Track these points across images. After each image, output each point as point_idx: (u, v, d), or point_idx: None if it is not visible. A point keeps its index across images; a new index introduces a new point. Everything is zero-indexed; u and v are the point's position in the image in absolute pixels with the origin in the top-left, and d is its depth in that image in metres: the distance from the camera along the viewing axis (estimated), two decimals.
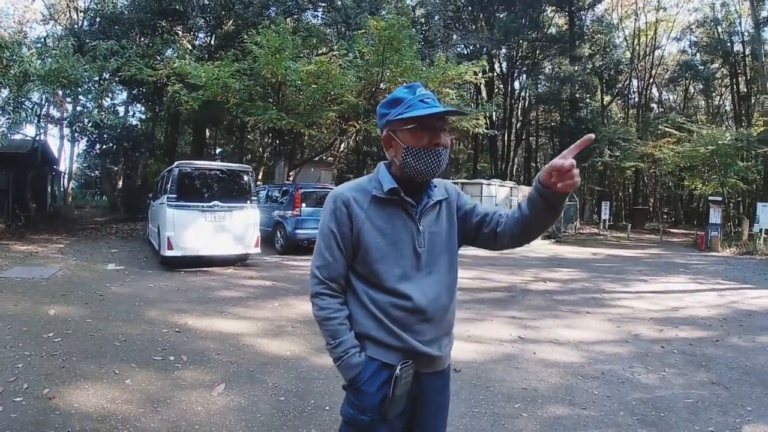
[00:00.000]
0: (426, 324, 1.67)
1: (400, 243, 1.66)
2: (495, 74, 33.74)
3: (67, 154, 32.95)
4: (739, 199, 30.26)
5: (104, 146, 20.02)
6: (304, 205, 12.66)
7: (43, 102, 14.20)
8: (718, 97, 42.02)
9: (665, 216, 42.61)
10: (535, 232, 1.72)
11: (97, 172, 23.73)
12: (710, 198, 21.89)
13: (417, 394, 1.72)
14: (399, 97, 1.66)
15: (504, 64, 36.13)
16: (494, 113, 29.01)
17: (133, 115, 24.89)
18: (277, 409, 3.71)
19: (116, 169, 23.02)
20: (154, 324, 5.75)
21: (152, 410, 3.57)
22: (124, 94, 22.12)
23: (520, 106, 39.14)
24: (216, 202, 9.89)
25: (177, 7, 17.36)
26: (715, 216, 20.25)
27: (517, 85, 37.72)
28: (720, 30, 35.17)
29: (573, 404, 4.02)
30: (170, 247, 9.40)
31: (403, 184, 1.66)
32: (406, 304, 1.64)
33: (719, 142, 23.08)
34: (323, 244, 1.70)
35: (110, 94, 19.17)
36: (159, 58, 17.02)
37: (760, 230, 19.48)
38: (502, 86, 36.31)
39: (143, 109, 25.50)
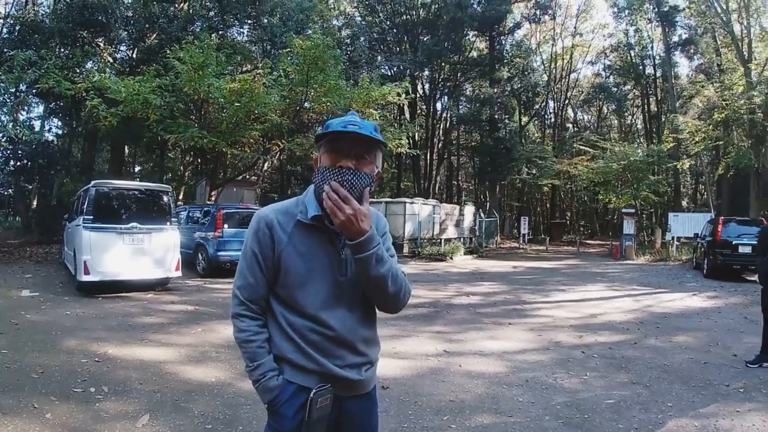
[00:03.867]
0: (344, 350, 1.66)
1: (321, 271, 1.63)
2: (418, 95, 34.65)
3: None
4: (651, 210, 32.44)
5: (19, 163, 18.79)
6: (226, 226, 12.30)
7: None
8: (630, 116, 45.12)
9: (582, 228, 44.99)
10: (373, 300, 1.71)
11: (10, 190, 22.10)
12: (624, 210, 23.38)
13: (339, 418, 1.69)
14: (328, 123, 1.64)
15: (426, 86, 37.14)
16: (416, 133, 29.69)
17: (49, 131, 23.54)
18: None
19: (30, 187, 21.57)
20: (72, 354, 5.43)
21: None
22: (41, 108, 20.87)
23: (441, 127, 40.28)
24: (134, 224, 9.41)
25: (100, 17, 16.63)
26: (628, 227, 21.62)
27: (439, 106, 38.92)
28: (633, 54, 37.96)
29: (499, 412, 4.12)
30: (87, 272, 8.86)
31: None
32: (325, 331, 1.62)
33: (631, 158, 24.85)
34: (245, 265, 1.67)
35: (26, 108, 17.99)
36: (78, 71, 16.20)
37: (672, 238, 20.93)
38: (424, 107, 37.28)
39: (60, 124, 24.16)
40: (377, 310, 1.78)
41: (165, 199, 10.21)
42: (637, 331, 7.28)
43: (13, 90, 14.20)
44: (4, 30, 19.17)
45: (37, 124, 20.95)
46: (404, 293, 1.69)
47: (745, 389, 4.73)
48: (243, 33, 22.36)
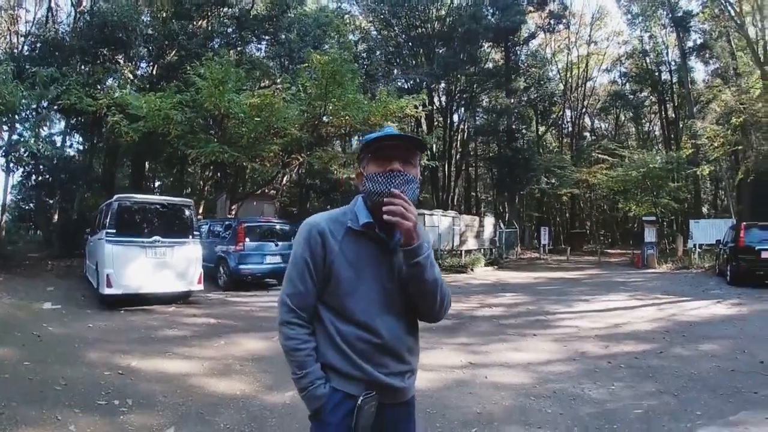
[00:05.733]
0: (390, 358, 1.68)
1: (370, 278, 1.66)
2: (434, 107, 34.63)
3: (1, 185, 31.26)
4: (672, 217, 31.91)
5: (40, 178, 19.07)
6: (247, 239, 12.41)
7: None
8: (648, 123, 44.58)
9: (602, 238, 44.42)
10: (419, 308, 1.75)
11: (32, 204, 22.47)
12: (644, 218, 23.02)
13: (381, 426, 1.70)
14: (367, 137, 1.72)
15: (443, 98, 37.06)
16: (434, 145, 29.66)
17: (70, 146, 23.92)
18: None
19: (51, 202, 21.91)
20: (95, 366, 5.45)
21: None
22: (62, 124, 21.24)
23: (459, 138, 40.15)
24: (157, 238, 9.50)
25: (120, 35, 16.97)
26: (650, 235, 21.26)
27: (456, 117, 38.76)
28: (648, 60, 37.59)
29: (528, 424, 4.07)
30: (110, 285, 8.91)
31: (378, 218, 1.64)
32: (374, 339, 1.65)
33: (650, 165, 24.55)
34: (295, 273, 1.69)
35: (48, 124, 18.33)
36: (99, 87, 16.51)
37: (694, 245, 20.53)
38: (441, 119, 37.23)
39: (81, 139, 24.59)
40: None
41: (187, 212, 10.30)
42: (662, 340, 7.15)
43: (34, 106, 14.45)
44: (26, 48, 19.67)
45: (58, 140, 21.31)
46: (448, 300, 1.75)
47: None
48: (261, 49, 22.67)
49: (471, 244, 23.68)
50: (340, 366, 1.65)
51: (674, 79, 36.10)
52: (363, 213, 1.68)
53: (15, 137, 15.20)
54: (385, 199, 1.58)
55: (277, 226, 13.69)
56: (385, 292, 1.67)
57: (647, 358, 6.13)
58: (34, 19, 23.81)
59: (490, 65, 36.12)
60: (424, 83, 30.23)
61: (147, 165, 25.56)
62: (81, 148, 25.12)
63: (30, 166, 17.38)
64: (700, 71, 37.48)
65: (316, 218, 1.74)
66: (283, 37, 20.19)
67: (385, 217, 1.56)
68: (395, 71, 31.66)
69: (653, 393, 4.81)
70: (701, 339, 7.13)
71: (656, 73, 37.34)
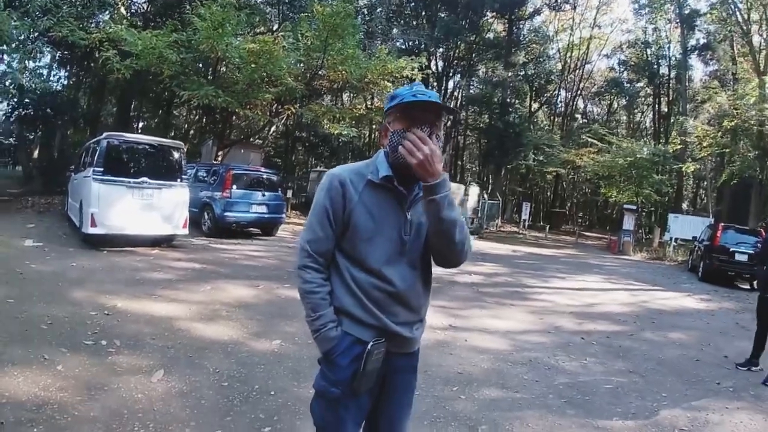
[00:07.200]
0: (401, 307, 1.75)
1: (387, 228, 1.72)
2: (431, 72, 34.21)
3: None
4: (652, 208, 32.41)
5: (24, 112, 18.54)
6: (234, 187, 12.25)
7: None
8: (640, 114, 44.73)
9: (580, 219, 45.02)
10: (438, 250, 1.79)
11: (11, 139, 21.69)
12: (625, 206, 23.35)
13: (386, 373, 1.79)
14: (396, 93, 1.75)
15: (440, 63, 36.58)
16: None
17: (57, 80, 23.18)
18: (221, 395, 3.63)
19: (32, 137, 21.23)
20: (81, 306, 5.40)
21: (90, 398, 3.35)
22: (48, 57, 20.52)
23: (451, 105, 39.76)
24: (145, 179, 9.33)
25: None
26: (628, 222, 21.65)
27: (450, 84, 38.32)
28: (649, 52, 37.47)
29: (506, 387, 4.27)
30: (94, 224, 8.76)
31: (398, 173, 1.70)
32: (387, 287, 1.71)
33: (638, 155, 24.79)
34: (315, 220, 1.75)
35: (37, 56, 17.67)
36: (92, 21, 15.94)
37: (671, 239, 20.98)
38: (435, 84, 36.83)
39: (67, 74, 23.85)
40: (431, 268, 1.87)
41: (176, 155, 10.08)
42: (633, 323, 7.41)
43: (22, 37, 13.90)
44: None
45: (43, 73, 20.63)
46: (468, 245, 1.77)
47: (735, 389, 4.86)
48: None
49: None
50: (353, 311, 1.72)
51: (672, 75, 36.08)
52: (384, 167, 1.72)
53: (2, 68, 14.63)
54: (407, 134, 1.62)
55: (265, 176, 13.48)
56: (401, 242, 1.73)
57: (618, 338, 6.38)
58: None
59: (491, 36, 35.53)
60: (423, 46, 29.76)
61: (133, 104, 24.97)
62: (66, 83, 24.45)
63: (15, 100, 16.80)
64: (698, 70, 37.52)
65: (338, 169, 1.79)
66: None
67: (400, 149, 1.61)
68: (395, 30, 31.05)
69: (623, 371, 5.04)
70: (670, 327, 7.39)
71: (655, 66, 37.26)
